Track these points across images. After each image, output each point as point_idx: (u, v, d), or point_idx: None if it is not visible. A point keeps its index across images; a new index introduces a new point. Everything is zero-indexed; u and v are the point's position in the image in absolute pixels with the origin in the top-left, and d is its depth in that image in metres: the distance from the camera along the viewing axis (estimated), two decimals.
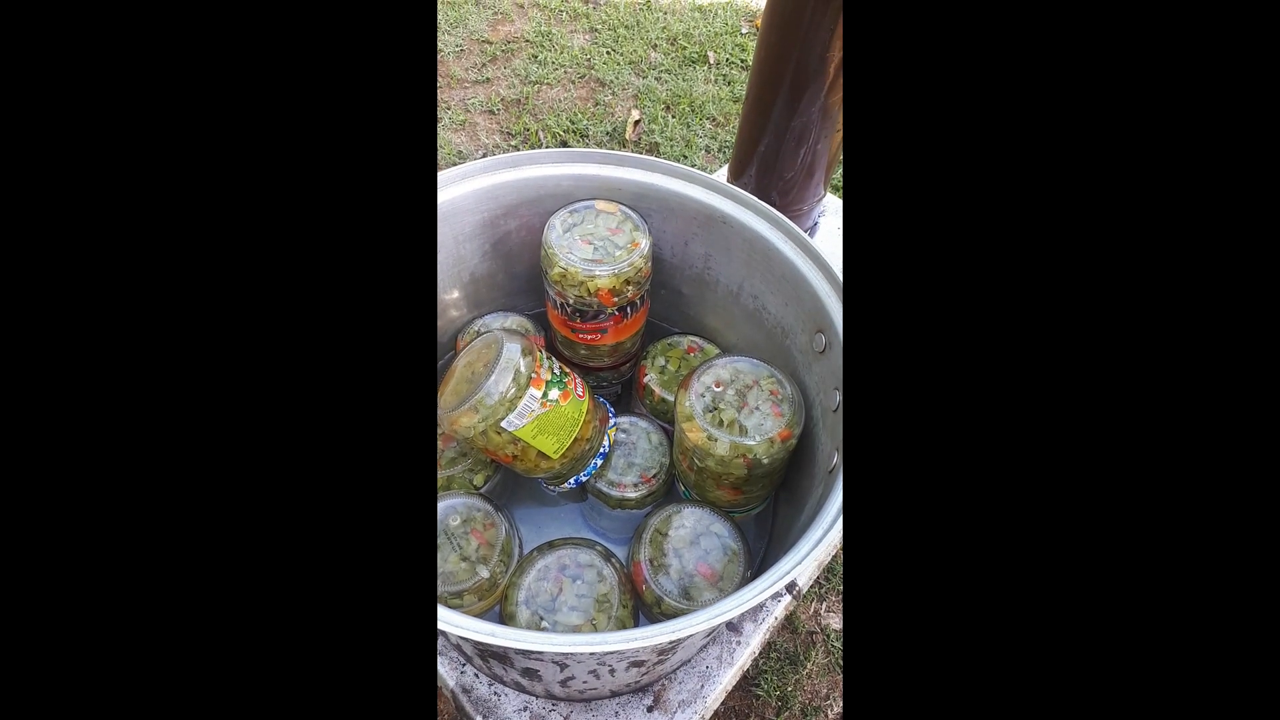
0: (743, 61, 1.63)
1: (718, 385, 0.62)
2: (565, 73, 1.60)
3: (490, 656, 0.57)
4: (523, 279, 0.78)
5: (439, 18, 1.71)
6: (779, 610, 0.70)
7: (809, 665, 0.86)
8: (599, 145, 1.45)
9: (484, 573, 0.59)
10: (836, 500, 0.48)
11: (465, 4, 1.76)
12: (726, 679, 0.66)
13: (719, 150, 1.45)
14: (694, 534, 0.62)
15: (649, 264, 0.68)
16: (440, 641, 0.65)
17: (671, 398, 0.73)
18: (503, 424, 0.57)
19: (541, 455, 0.61)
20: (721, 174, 1.05)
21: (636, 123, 1.49)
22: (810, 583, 0.89)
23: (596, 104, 1.53)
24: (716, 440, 0.59)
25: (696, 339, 0.77)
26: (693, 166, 1.21)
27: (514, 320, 0.78)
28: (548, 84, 1.57)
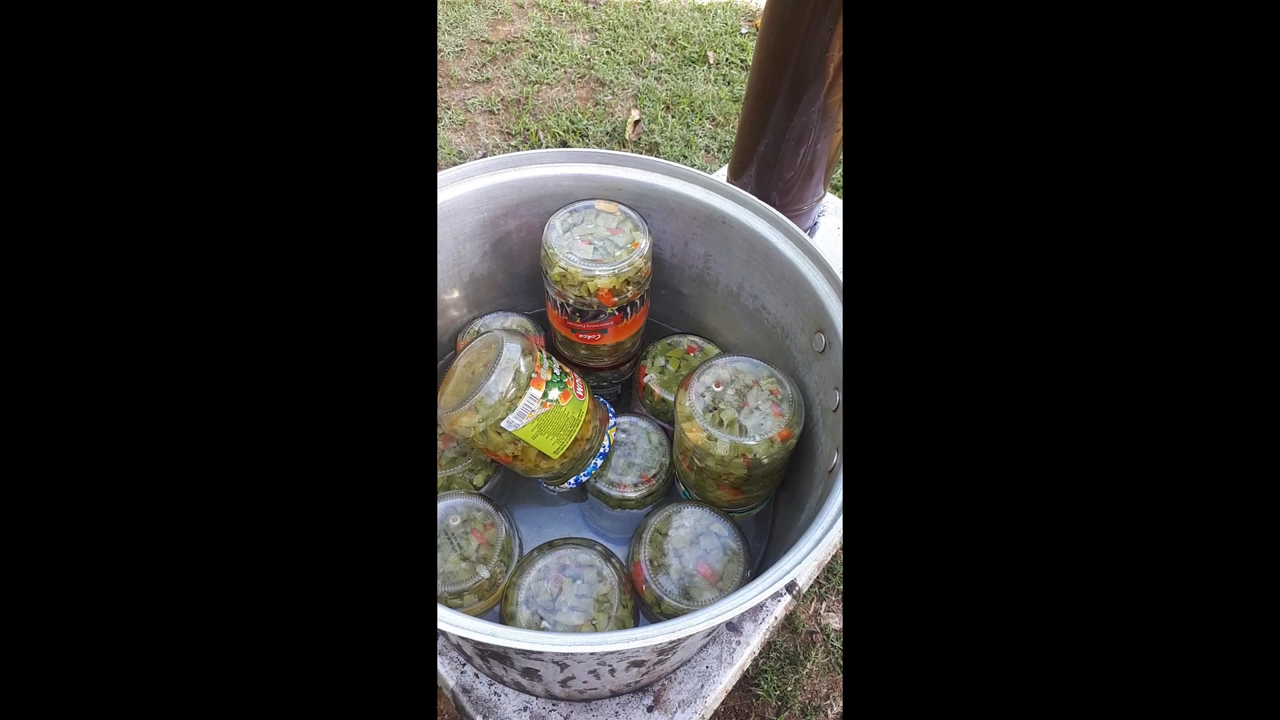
0: (742, 61, 1.63)
1: (718, 385, 0.62)
2: (565, 73, 1.60)
3: (490, 656, 0.57)
4: (523, 279, 0.78)
5: (439, 18, 1.71)
6: (779, 610, 0.70)
7: (809, 665, 0.86)
8: (599, 145, 1.45)
9: (484, 573, 0.59)
10: (836, 500, 0.48)
11: (465, 4, 1.76)
12: (726, 679, 0.66)
13: (719, 150, 1.45)
14: (694, 534, 0.62)
15: (649, 264, 0.68)
16: (440, 641, 0.65)
17: (671, 398, 0.73)
18: (503, 424, 0.57)
19: (541, 455, 0.61)
20: (721, 174, 1.05)
21: (636, 123, 1.49)
22: (810, 583, 0.89)
23: (596, 104, 1.53)
24: (716, 440, 0.59)
25: (696, 339, 0.77)
26: (692, 166, 1.21)
27: (514, 320, 0.78)
28: (548, 84, 1.57)
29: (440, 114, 1.49)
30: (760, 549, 0.72)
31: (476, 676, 0.65)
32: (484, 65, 1.61)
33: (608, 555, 0.62)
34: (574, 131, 1.47)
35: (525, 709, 0.63)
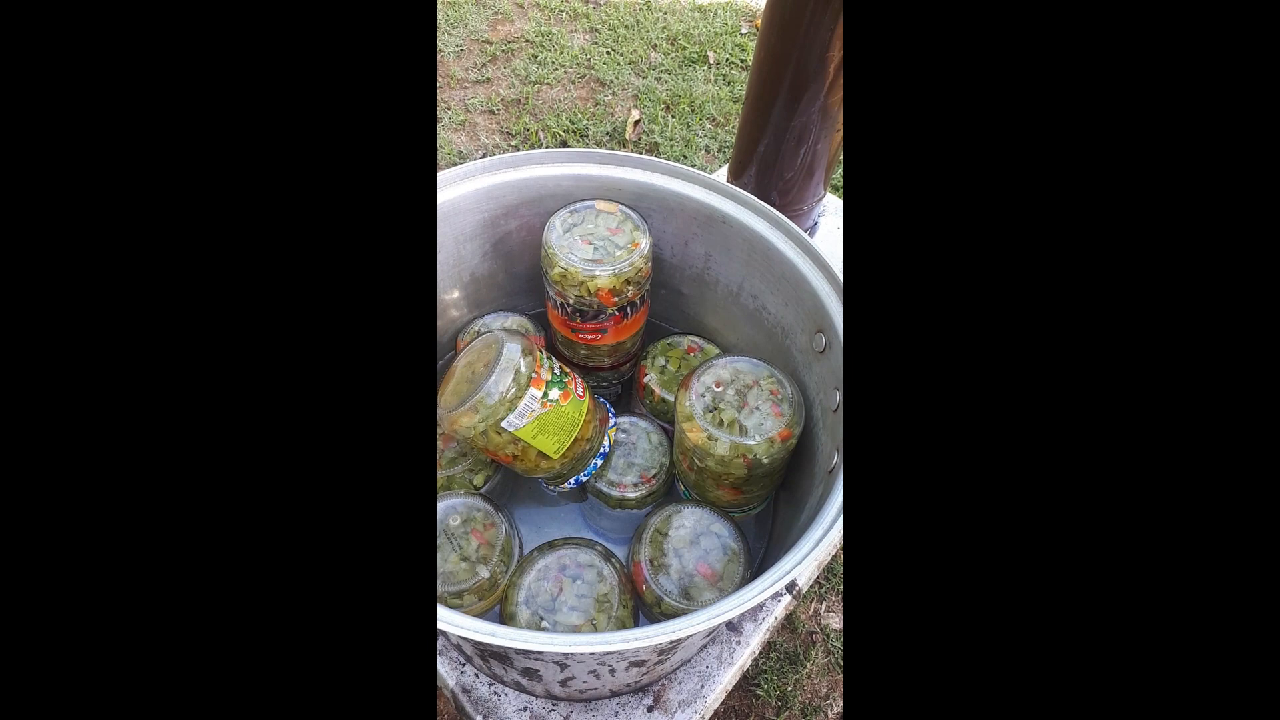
0: (743, 61, 1.63)
1: (718, 385, 0.62)
2: (565, 73, 1.60)
3: (490, 656, 0.57)
4: (523, 279, 0.78)
5: (439, 18, 1.71)
6: (779, 610, 0.70)
7: (809, 665, 0.86)
8: (599, 145, 1.45)
9: (484, 573, 0.59)
10: (836, 500, 0.48)
11: (465, 4, 1.76)
12: (726, 679, 0.66)
13: (719, 150, 1.45)
14: (694, 534, 0.62)
15: (649, 264, 0.68)
16: (440, 641, 0.65)
17: (671, 398, 0.73)
18: (503, 424, 0.57)
19: (542, 455, 0.61)
20: (721, 174, 1.05)
21: (636, 123, 1.49)
22: (810, 583, 0.89)
23: (596, 104, 1.53)
24: (716, 440, 0.59)
25: (696, 339, 0.77)
26: (693, 166, 1.21)
27: (514, 320, 0.78)
28: (548, 84, 1.57)
29: (440, 114, 1.49)
30: (760, 549, 0.72)
31: (476, 676, 0.65)
32: (484, 65, 1.61)
33: (608, 555, 0.62)
34: (574, 131, 1.47)
35: (525, 709, 0.63)
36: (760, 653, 0.86)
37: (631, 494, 0.67)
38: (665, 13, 1.76)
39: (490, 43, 1.66)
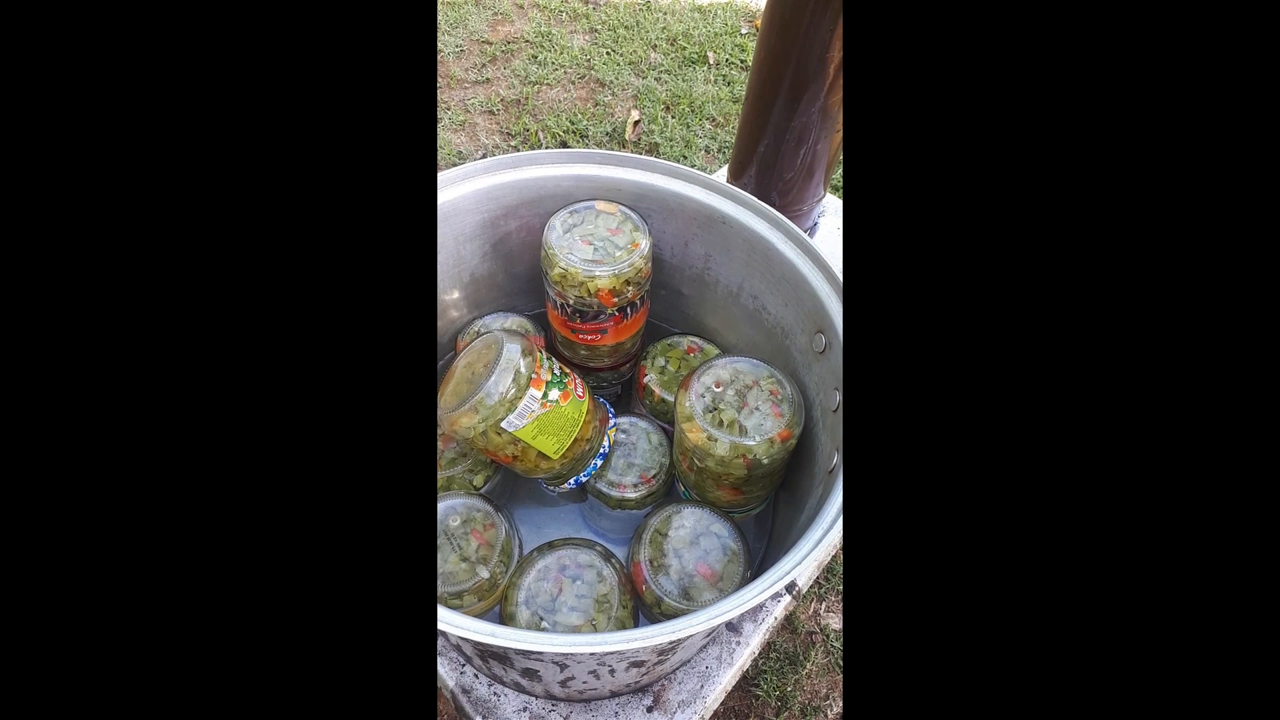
0: (742, 62, 1.63)
1: (718, 385, 0.62)
2: (565, 73, 1.60)
3: (490, 657, 0.57)
4: (523, 279, 0.78)
5: (439, 18, 1.71)
6: (779, 610, 0.70)
7: (808, 665, 0.86)
8: (599, 145, 1.45)
9: (484, 573, 0.59)
10: (836, 500, 0.48)
11: (465, 4, 1.76)
12: (726, 679, 0.66)
13: (719, 151, 1.45)
14: (694, 534, 0.62)
15: (649, 264, 0.68)
16: (440, 642, 0.65)
17: (671, 398, 0.73)
18: (503, 424, 0.57)
19: (541, 456, 0.61)
20: (721, 174, 1.05)
21: (636, 123, 1.49)
22: (810, 583, 0.89)
23: (596, 104, 1.53)
24: (716, 440, 0.59)
25: (696, 339, 0.77)
26: (692, 167, 1.21)
27: (514, 321, 0.78)
28: (547, 84, 1.57)
29: (440, 114, 1.49)
30: (760, 549, 0.72)
31: (476, 677, 0.65)
32: (484, 66, 1.61)
33: (607, 556, 0.62)
34: (574, 132, 1.47)
35: (525, 709, 0.63)
36: (760, 653, 0.86)
37: (631, 494, 0.67)
38: (665, 13, 1.76)
39: (490, 43, 1.66)
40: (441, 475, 0.67)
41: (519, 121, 1.49)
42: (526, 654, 0.51)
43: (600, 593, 0.59)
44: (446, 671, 0.65)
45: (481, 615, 0.57)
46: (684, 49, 1.66)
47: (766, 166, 0.88)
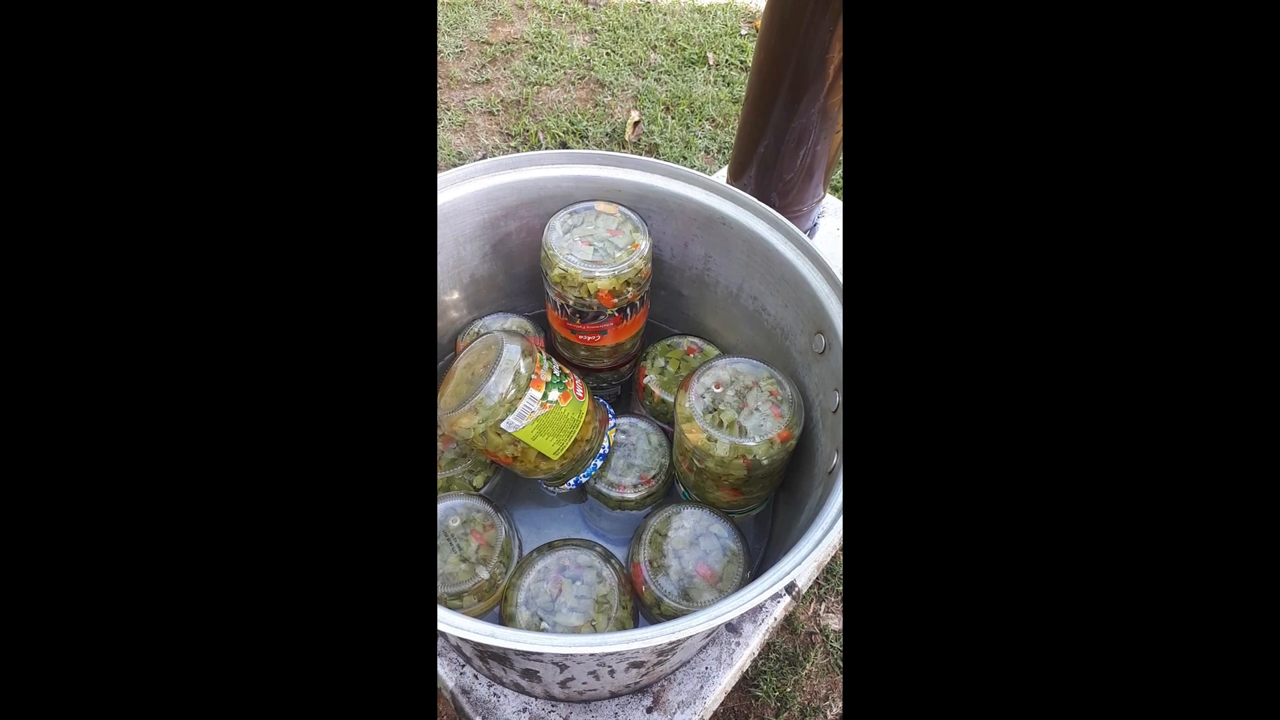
0: (742, 63, 1.63)
1: (717, 386, 0.62)
2: (565, 74, 1.60)
3: (490, 658, 0.57)
4: (523, 280, 0.78)
5: (439, 19, 1.71)
6: (778, 611, 0.70)
7: (808, 666, 0.86)
8: (598, 146, 1.45)
9: (484, 574, 0.59)
10: (836, 501, 0.48)
11: (465, 5, 1.76)
12: (726, 680, 0.66)
13: (718, 151, 1.45)
14: (693, 535, 0.62)
15: (649, 265, 0.68)
16: (440, 643, 0.65)
17: (671, 399, 0.73)
18: (502, 425, 0.57)
19: (541, 456, 0.61)
20: (721, 175, 1.05)
21: (636, 124, 1.50)
22: (809, 583, 0.89)
23: (596, 105, 1.53)
24: (716, 441, 0.59)
25: (696, 340, 0.77)
26: (692, 168, 1.21)
27: (514, 321, 0.78)
28: (547, 85, 1.57)
29: (440, 115, 1.49)
30: (760, 550, 0.72)
31: (476, 678, 0.65)
32: (484, 66, 1.61)
33: (607, 556, 0.62)
34: (574, 133, 1.47)
35: (524, 710, 0.63)
36: (760, 654, 0.86)
37: (631, 495, 0.67)
38: (665, 14, 1.76)
39: (490, 44, 1.66)
40: (441, 476, 0.67)
41: (519, 122, 1.49)
42: (526, 655, 0.51)
43: (600, 593, 0.59)
44: (446, 672, 0.65)
45: (481, 616, 0.57)
46: (684, 50, 1.66)
47: (766, 167, 0.88)
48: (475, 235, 0.71)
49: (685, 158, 1.43)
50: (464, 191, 0.66)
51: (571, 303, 0.67)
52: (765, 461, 0.59)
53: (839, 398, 0.59)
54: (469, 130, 1.48)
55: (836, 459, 0.55)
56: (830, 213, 1.07)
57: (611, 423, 0.68)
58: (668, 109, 1.53)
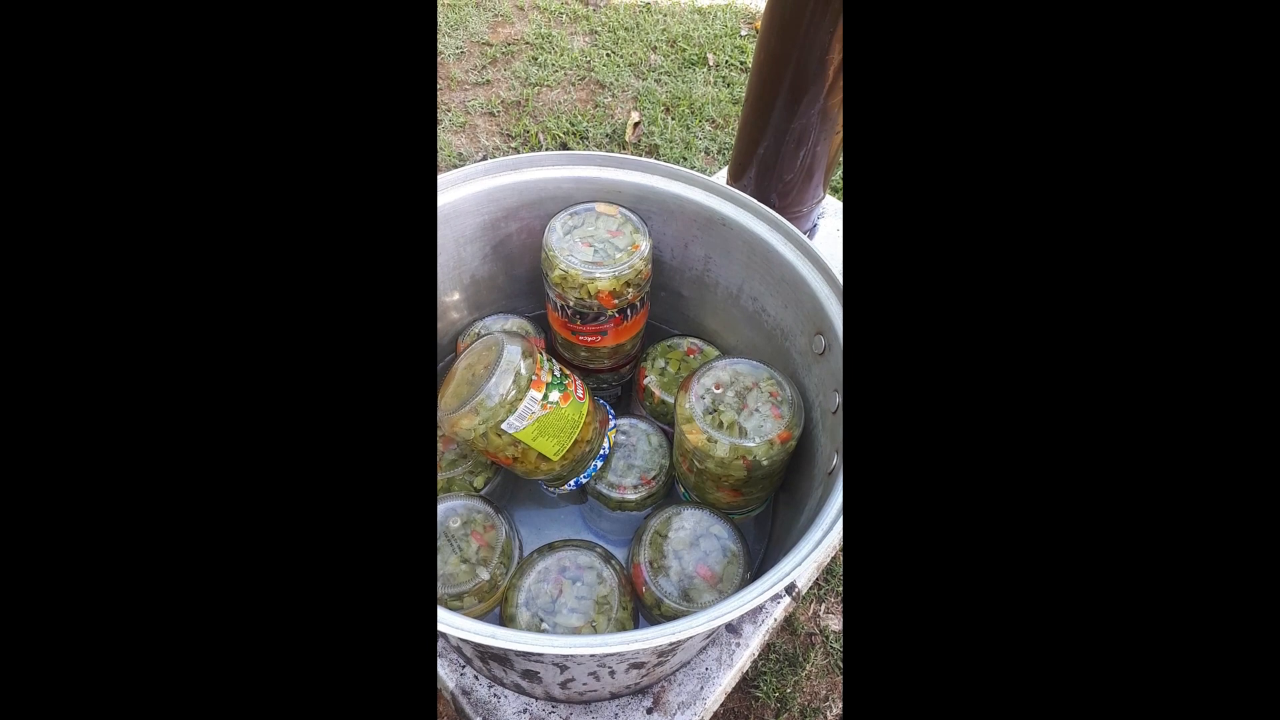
0: (742, 64, 1.64)
1: (717, 387, 0.62)
2: (565, 75, 1.60)
3: (490, 658, 0.57)
4: (523, 281, 0.78)
5: (439, 20, 1.72)
6: (778, 612, 0.70)
7: (808, 667, 0.86)
8: (599, 147, 1.45)
9: (484, 575, 0.59)
10: (836, 502, 0.48)
11: (465, 6, 1.76)
12: (726, 681, 0.66)
13: (718, 152, 1.45)
14: (693, 536, 0.62)
15: (649, 266, 0.68)
16: (440, 644, 0.65)
17: (671, 399, 0.73)
18: (503, 426, 0.57)
19: (542, 457, 0.61)
20: (721, 176, 1.05)
21: (636, 125, 1.50)
22: (809, 584, 0.89)
23: (596, 106, 1.54)
24: (716, 442, 0.59)
25: (696, 341, 0.78)
26: (692, 168, 1.21)
27: (514, 322, 0.78)
28: (548, 86, 1.58)
29: (440, 116, 1.49)
30: (760, 551, 0.72)
31: (476, 678, 0.65)
32: (484, 67, 1.61)
33: (607, 557, 0.62)
34: (574, 134, 1.47)
35: (525, 711, 0.63)
36: (760, 654, 0.86)
37: (631, 496, 0.68)
38: (665, 15, 1.76)
39: (490, 45, 1.67)
40: (442, 477, 0.67)
41: (519, 123, 1.49)
42: (527, 655, 0.51)
43: (600, 594, 0.59)
44: (447, 673, 0.65)
45: (481, 617, 0.57)
46: (684, 51, 1.66)
47: (766, 168, 0.88)
48: (476, 236, 0.71)
49: (685, 159, 1.43)
50: (464, 193, 0.67)
51: (572, 304, 0.67)
52: (765, 462, 0.59)
53: (839, 399, 0.59)
54: (469, 131, 1.48)
55: (836, 460, 0.55)
56: (830, 214, 1.07)
57: (612, 424, 0.68)
58: (668, 110, 1.53)
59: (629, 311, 0.69)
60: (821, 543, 0.46)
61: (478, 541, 0.61)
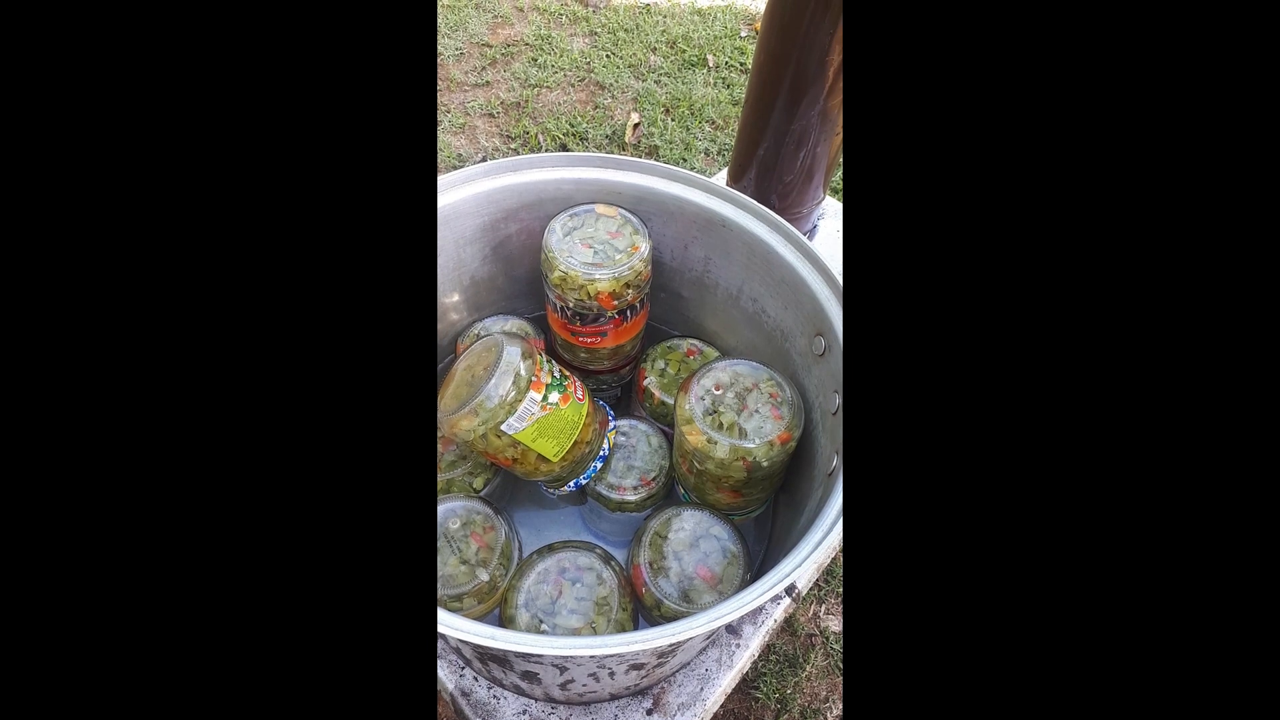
0: (742, 65, 1.64)
1: (717, 388, 0.62)
2: (565, 76, 1.60)
3: (490, 660, 0.57)
4: (523, 282, 0.78)
5: (439, 21, 1.72)
6: (778, 613, 0.70)
7: (808, 668, 0.86)
8: (598, 148, 1.46)
9: (483, 576, 0.59)
10: (836, 503, 0.48)
11: (465, 7, 1.76)
12: (726, 682, 0.66)
13: (718, 153, 1.45)
14: (693, 537, 0.62)
15: (649, 267, 0.68)
16: (440, 645, 0.65)
17: (671, 400, 0.73)
18: (503, 427, 0.57)
19: (541, 458, 0.61)
20: (721, 177, 1.05)
21: (636, 126, 1.50)
22: (809, 585, 0.89)
23: (596, 107, 1.54)
24: (716, 443, 0.59)
25: (696, 342, 0.78)
26: (692, 170, 1.21)
27: (514, 323, 0.78)
28: (547, 87, 1.58)
29: (440, 117, 1.49)
30: (760, 552, 0.72)
31: (476, 680, 0.65)
32: (484, 68, 1.61)
33: (607, 558, 0.62)
34: (574, 135, 1.47)
35: (524, 712, 0.63)
36: (760, 655, 0.86)
37: (631, 497, 0.68)
38: (665, 16, 1.76)
39: (490, 46, 1.67)
40: (441, 478, 0.67)
41: (519, 124, 1.49)
42: (526, 657, 0.51)
43: (600, 595, 0.59)
44: (446, 674, 0.65)
45: (481, 618, 0.57)
46: (684, 52, 1.66)
47: (766, 169, 0.88)
48: (475, 238, 0.71)
49: (685, 160, 1.43)
50: (464, 194, 0.67)
51: (572, 305, 0.67)
52: (765, 463, 0.59)
53: (839, 400, 0.59)
54: (469, 132, 1.48)
55: (836, 461, 0.55)
56: (830, 215, 1.07)
57: (611, 424, 0.68)
58: (668, 111, 1.53)
59: (629, 313, 0.69)
60: (821, 544, 0.46)
61: (477, 543, 0.61)
